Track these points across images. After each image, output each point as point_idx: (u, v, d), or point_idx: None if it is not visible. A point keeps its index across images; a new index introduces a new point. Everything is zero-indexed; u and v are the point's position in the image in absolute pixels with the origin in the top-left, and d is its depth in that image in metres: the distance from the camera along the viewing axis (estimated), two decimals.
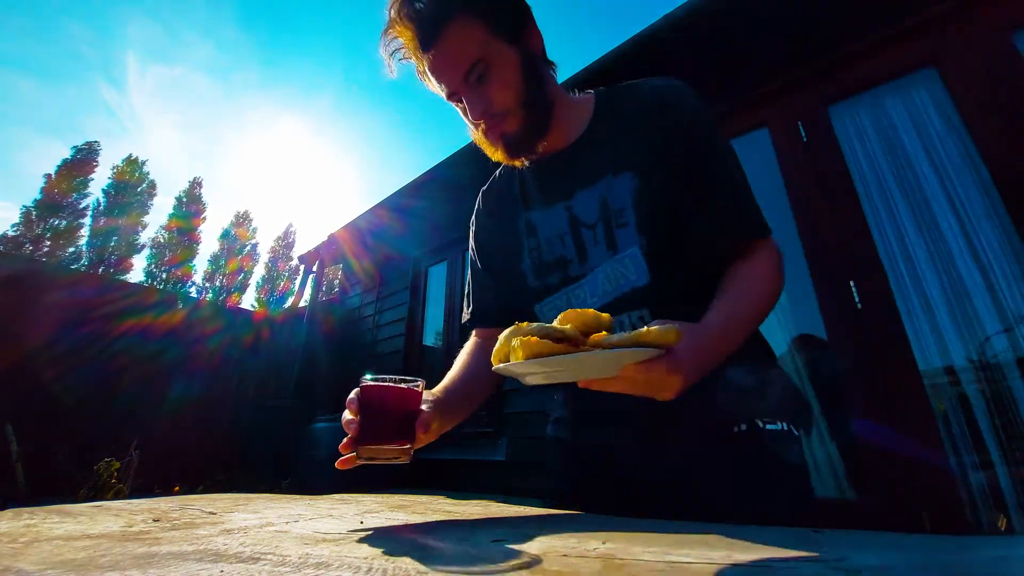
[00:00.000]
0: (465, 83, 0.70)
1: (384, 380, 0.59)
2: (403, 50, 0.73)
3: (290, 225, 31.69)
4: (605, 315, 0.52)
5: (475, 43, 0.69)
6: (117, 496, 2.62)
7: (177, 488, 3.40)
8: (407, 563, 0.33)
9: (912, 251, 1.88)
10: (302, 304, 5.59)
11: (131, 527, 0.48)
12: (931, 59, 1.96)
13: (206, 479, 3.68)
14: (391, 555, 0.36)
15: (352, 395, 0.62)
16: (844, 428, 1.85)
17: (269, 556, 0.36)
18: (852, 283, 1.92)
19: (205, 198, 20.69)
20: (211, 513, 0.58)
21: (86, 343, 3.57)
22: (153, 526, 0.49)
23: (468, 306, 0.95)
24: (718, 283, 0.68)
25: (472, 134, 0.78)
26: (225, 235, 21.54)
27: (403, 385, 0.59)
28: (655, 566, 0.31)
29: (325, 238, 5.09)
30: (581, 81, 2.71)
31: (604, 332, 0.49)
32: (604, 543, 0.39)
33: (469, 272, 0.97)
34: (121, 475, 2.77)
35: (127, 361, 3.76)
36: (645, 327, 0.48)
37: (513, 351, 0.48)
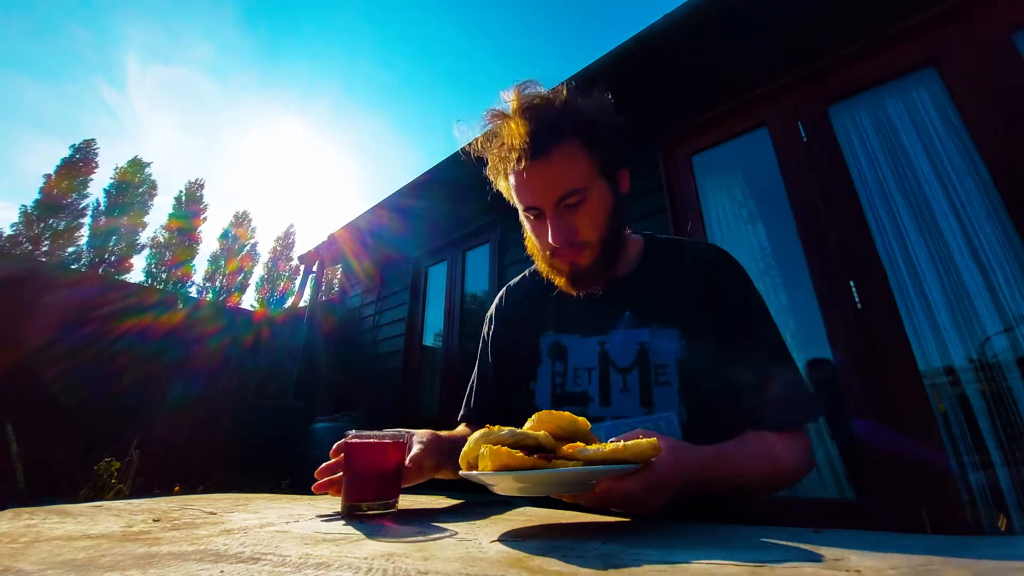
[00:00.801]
0: (556, 206, 0.69)
1: (368, 436, 0.59)
2: (501, 144, 0.69)
3: (290, 225, 31.75)
4: (582, 419, 0.52)
5: (581, 171, 0.68)
6: (117, 496, 2.62)
7: (177, 488, 3.40)
8: (407, 563, 0.33)
9: (912, 251, 1.88)
10: (302, 304, 5.59)
11: (131, 527, 0.48)
12: (931, 59, 1.96)
13: (206, 479, 3.68)
14: (391, 555, 0.36)
15: (337, 445, 0.62)
16: (844, 428, 1.85)
17: (269, 556, 0.36)
18: (852, 283, 1.92)
19: (205, 198, 20.70)
20: (211, 513, 0.58)
21: (86, 343, 3.57)
22: (153, 526, 0.49)
23: (467, 403, 0.91)
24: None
25: (530, 248, 0.78)
26: (225, 235, 21.54)
27: (387, 440, 0.59)
28: (655, 566, 0.31)
29: (325, 238, 5.09)
30: (581, 82, 2.71)
31: (580, 443, 0.48)
32: (604, 543, 0.39)
33: (477, 366, 0.94)
34: (121, 475, 2.77)
35: (127, 361, 3.76)
36: (622, 442, 0.46)
37: (481, 457, 0.46)
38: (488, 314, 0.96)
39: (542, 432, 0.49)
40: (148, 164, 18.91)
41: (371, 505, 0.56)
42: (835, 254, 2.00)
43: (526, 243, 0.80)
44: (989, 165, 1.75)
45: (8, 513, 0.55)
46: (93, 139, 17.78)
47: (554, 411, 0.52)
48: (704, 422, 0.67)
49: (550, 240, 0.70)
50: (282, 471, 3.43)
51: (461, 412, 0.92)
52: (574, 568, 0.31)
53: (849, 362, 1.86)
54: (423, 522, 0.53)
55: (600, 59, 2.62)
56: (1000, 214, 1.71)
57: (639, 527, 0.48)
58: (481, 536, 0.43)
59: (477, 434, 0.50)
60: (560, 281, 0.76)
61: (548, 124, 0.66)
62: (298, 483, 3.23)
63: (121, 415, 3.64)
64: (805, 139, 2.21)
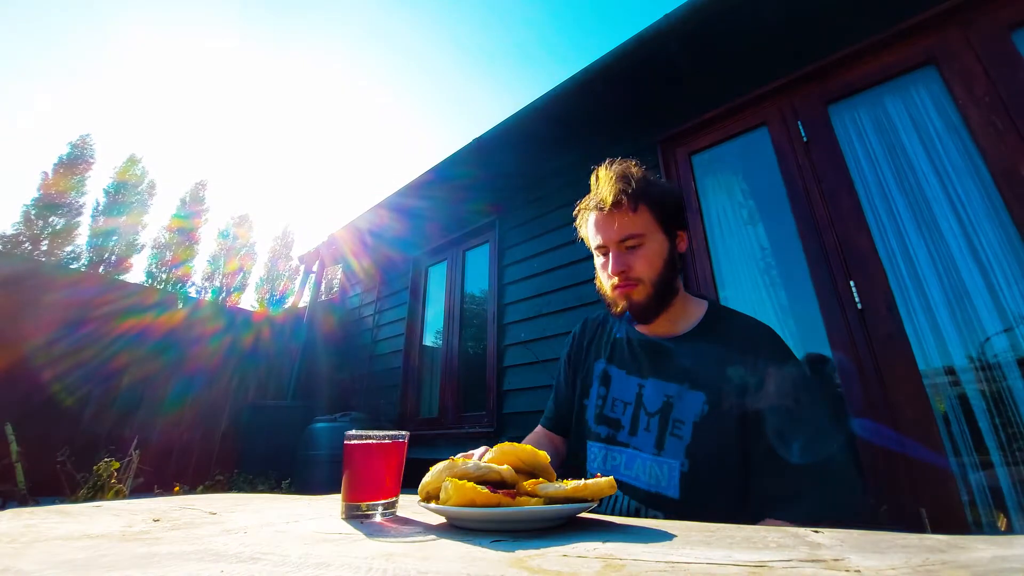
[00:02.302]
0: (618, 244, 0.86)
1: (368, 436, 0.60)
2: (593, 193, 0.91)
3: (288, 225, 31.76)
4: (542, 453, 0.55)
5: (643, 223, 0.86)
6: (117, 496, 2.62)
7: (177, 488, 3.39)
8: (407, 563, 0.33)
9: (912, 251, 1.87)
10: (302, 304, 5.58)
11: (131, 527, 0.48)
12: (931, 58, 1.96)
13: (206, 479, 3.68)
14: (391, 555, 0.36)
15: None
16: (844, 428, 1.85)
17: (269, 556, 0.36)
18: (852, 283, 1.92)
19: (207, 199, 20.67)
20: (211, 513, 0.58)
21: (86, 343, 3.56)
22: (153, 526, 0.49)
23: (551, 410, 1.08)
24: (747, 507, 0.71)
25: (599, 285, 0.93)
26: (224, 236, 21.52)
27: (387, 440, 0.60)
28: (655, 566, 0.31)
29: (325, 238, 5.09)
30: (580, 83, 2.72)
31: (541, 480, 0.51)
32: (604, 543, 0.39)
33: (556, 379, 1.11)
34: (121, 475, 2.77)
35: (127, 361, 3.76)
36: (583, 482, 0.49)
37: (444, 490, 0.47)
38: (571, 335, 1.12)
39: (506, 467, 0.51)
40: (140, 159, 18.80)
41: (371, 505, 0.56)
42: (835, 254, 2.00)
43: (597, 283, 0.95)
44: (989, 165, 1.75)
45: (8, 513, 0.56)
46: (88, 134, 17.77)
47: (516, 443, 0.56)
48: (703, 476, 0.75)
49: (609, 272, 0.86)
50: (282, 471, 3.42)
51: (543, 415, 1.10)
52: (574, 568, 0.31)
53: (849, 362, 1.86)
54: (423, 522, 0.53)
55: (601, 58, 2.62)
56: (1000, 214, 1.71)
57: (639, 527, 0.48)
58: (481, 536, 0.43)
59: (440, 465, 0.53)
60: (617, 311, 0.89)
61: (629, 185, 0.86)
62: (298, 483, 3.23)
63: (121, 415, 3.64)
64: (805, 139, 2.21)
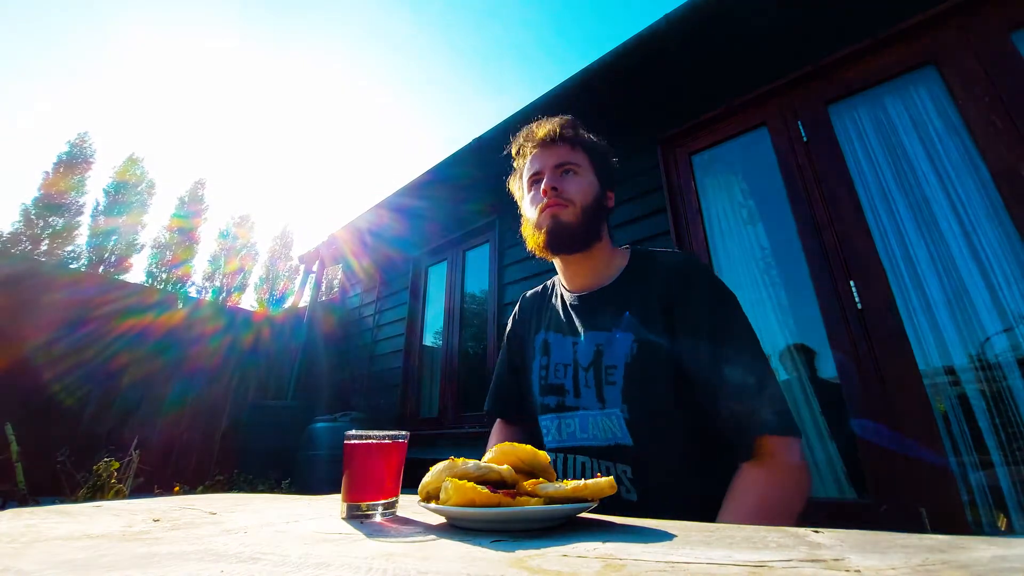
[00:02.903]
0: (554, 169, 0.90)
1: (368, 436, 0.60)
2: (532, 133, 0.95)
3: (288, 225, 31.78)
4: (542, 453, 0.55)
5: (580, 160, 0.92)
6: (117, 496, 2.62)
7: (177, 488, 3.39)
8: (407, 563, 0.33)
9: (912, 251, 1.88)
10: (302, 304, 5.58)
11: (131, 527, 0.48)
12: (931, 59, 1.96)
13: (206, 479, 3.68)
14: (391, 555, 0.36)
15: None
16: (844, 428, 1.85)
17: (269, 556, 0.36)
18: (852, 283, 1.92)
19: (206, 198, 20.67)
20: (211, 513, 0.59)
21: (86, 343, 3.56)
22: (153, 526, 0.49)
23: (491, 395, 1.11)
24: (706, 448, 0.73)
25: (524, 226, 0.95)
26: (224, 236, 21.52)
27: (387, 440, 0.60)
28: (655, 566, 0.31)
29: (325, 238, 5.09)
30: (579, 83, 2.71)
31: (541, 480, 0.51)
32: (604, 543, 0.39)
33: (498, 362, 1.12)
34: (121, 475, 2.77)
35: (127, 361, 3.76)
36: (583, 482, 0.49)
37: (444, 490, 0.48)
38: (511, 316, 1.12)
39: (506, 467, 0.52)
40: (140, 159, 18.82)
41: (371, 505, 0.56)
42: (835, 254, 2.00)
43: (522, 229, 0.96)
44: (989, 165, 1.75)
45: (8, 513, 0.56)
46: (86, 132, 17.80)
47: (516, 444, 0.55)
48: (646, 420, 0.76)
49: (542, 189, 0.87)
50: (282, 471, 3.42)
51: (487, 405, 1.11)
52: (574, 568, 0.31)
53: (849, 362, 1.86)
54: (423, 522, 0.53)
55: (601, 58, 2.62)
56: (1000, 214, 1.71)
57: (639, 527, 0.48)
58: (481, 536, 0.43)
59: (440, 465, 0.53)
60: (540, 239, 0.88)
61: (571, 130, 0.94)
62: (298, 483, 3.23)
63: (121, 415, 3.64)
64: (805, 139, 2.21)
